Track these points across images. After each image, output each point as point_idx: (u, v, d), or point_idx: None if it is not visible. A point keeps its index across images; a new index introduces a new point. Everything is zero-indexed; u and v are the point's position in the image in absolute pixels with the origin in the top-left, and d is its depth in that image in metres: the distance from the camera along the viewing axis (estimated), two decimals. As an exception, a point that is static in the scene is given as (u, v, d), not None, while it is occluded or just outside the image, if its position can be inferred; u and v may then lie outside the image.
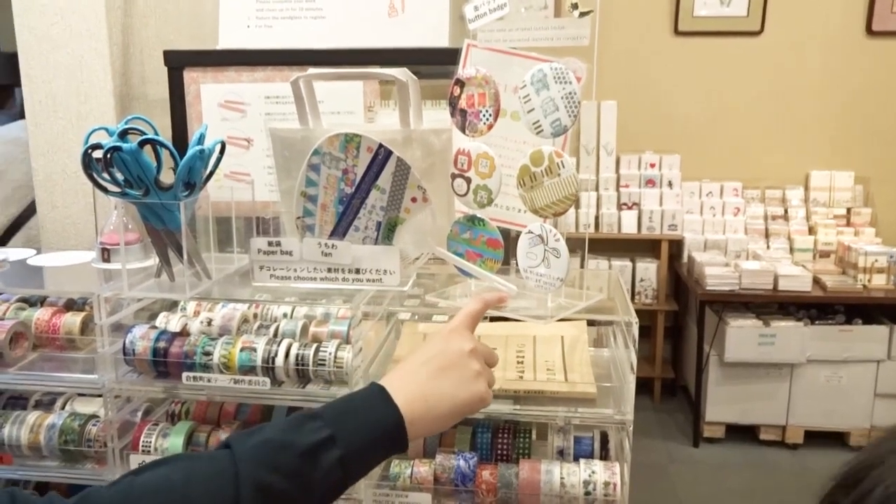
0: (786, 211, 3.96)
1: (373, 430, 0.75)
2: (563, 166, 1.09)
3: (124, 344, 1.25)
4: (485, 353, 0.87)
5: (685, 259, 3.87)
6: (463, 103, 1.13)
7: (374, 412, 0.76)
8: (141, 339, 1.25)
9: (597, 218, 3.94)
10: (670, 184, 3.97)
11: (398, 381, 0.81)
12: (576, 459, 1.18)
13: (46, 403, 1.38)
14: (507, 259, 1.20)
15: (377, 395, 0.78)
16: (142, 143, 1.14)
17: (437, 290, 1.26)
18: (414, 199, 1.13)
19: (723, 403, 3.54)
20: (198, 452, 0.77)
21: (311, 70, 1.19)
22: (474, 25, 1.18)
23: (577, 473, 1.13)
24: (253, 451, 0.70)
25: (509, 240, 1.22)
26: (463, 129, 1.14)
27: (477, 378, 0.83)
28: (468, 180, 1.16)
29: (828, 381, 3.46)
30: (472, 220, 1.18)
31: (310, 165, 1.15)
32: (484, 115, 1.13)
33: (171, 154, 1.18)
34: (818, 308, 3.53)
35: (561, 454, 1.20)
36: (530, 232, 1.16)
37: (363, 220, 1.16)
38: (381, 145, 1.11)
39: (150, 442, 1.26)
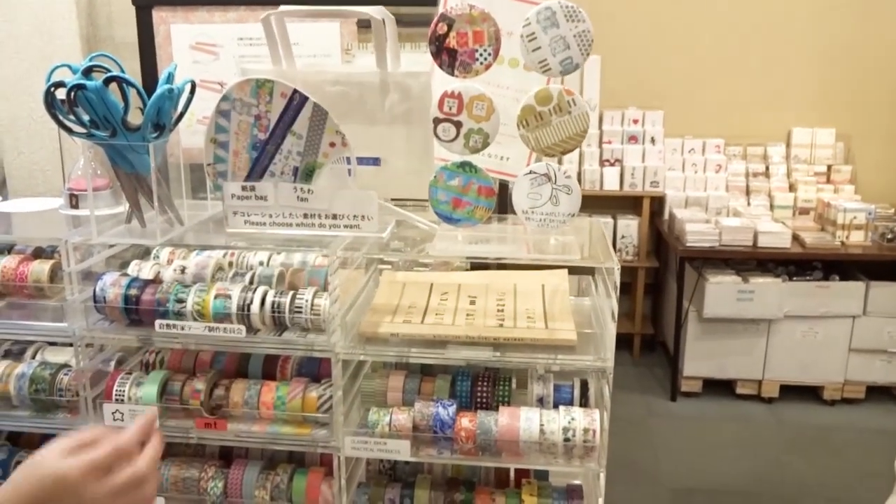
0: (767, 168, 3.96)
1: None
2: (575, 104, 1.08)
3: (95, 291, 1.21)
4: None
5: (666, 216, 3.87)
6: (453, 42, 1.08)
7: None
8: (112, 286, 1.21)
9: (579, 174, 3.91)
10: (653, 140, 3.94)
11: None
12: (555, 407, 1.17)
13: (16, 353, 1.35)
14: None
15: None
16: (107, 81, 1.09)
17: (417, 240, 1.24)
18: (332, 144, 1.10)
19: (701, 358, 3.58)
20: None
21: (283, 7, 1.14)
22: None
23: (556, 420, 1.12)
24: None
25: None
26: (452, 70, 1.10)
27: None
28: (458, 125, 1.12)
29: (804, 336, 3.50)
30: (463, 167, 1.14)
31: (219, 112, 1.11)
32: (481, 56, 1.08)
33: (139, 93, 1.13)
34: (796, 264, 3.55)
35: (541, 402, 1.19)
36: (532, 173, 1.14)
37: (279, 166, 1.13)
38: (295, 90, 1.07)
39: (124, 391, 1.23)
